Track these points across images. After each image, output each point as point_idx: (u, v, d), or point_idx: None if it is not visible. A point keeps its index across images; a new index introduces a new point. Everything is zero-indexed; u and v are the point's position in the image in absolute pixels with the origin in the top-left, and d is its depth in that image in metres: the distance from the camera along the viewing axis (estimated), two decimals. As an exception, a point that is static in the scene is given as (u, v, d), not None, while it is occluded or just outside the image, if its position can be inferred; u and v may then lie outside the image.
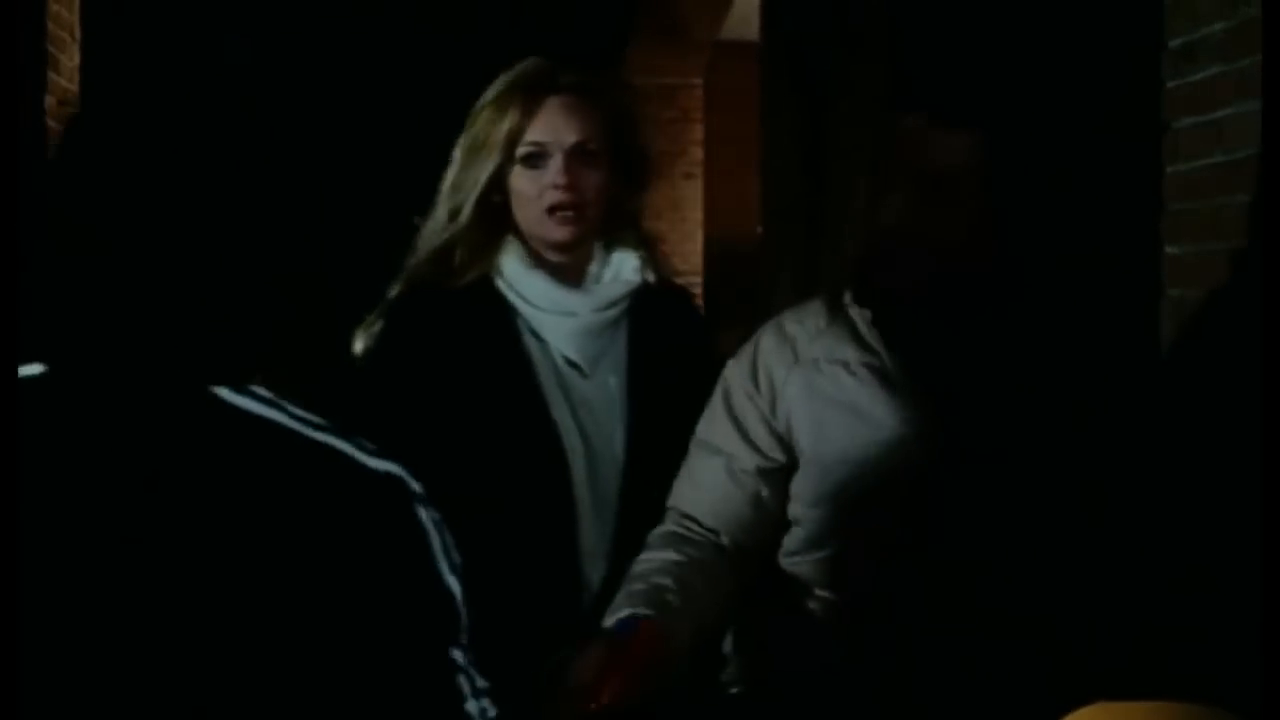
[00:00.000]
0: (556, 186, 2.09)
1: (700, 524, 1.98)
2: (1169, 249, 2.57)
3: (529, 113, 2.10)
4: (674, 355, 2.16)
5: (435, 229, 2.16)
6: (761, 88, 6.48)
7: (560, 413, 2.09)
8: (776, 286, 5.73)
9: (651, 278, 2.19)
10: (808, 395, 1.94)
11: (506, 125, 2.10)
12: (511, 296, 2.13)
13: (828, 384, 1.93)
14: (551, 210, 2.10)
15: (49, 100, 4.44)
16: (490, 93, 2.14)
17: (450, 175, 2.16)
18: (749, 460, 1.96)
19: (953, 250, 1.86)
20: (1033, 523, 1.90)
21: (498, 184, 2.12)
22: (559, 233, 2.11)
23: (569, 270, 2.16)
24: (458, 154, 2.16)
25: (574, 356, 2.11)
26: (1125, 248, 2.80)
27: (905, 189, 1.87)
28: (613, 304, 2.14)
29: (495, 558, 1.95)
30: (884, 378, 1.90)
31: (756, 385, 1.98)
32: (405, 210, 2.24)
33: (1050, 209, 2.09)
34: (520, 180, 2.11)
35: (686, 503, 2.00)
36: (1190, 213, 2.50)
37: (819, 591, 1.95)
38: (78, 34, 4.76)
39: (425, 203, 2.19)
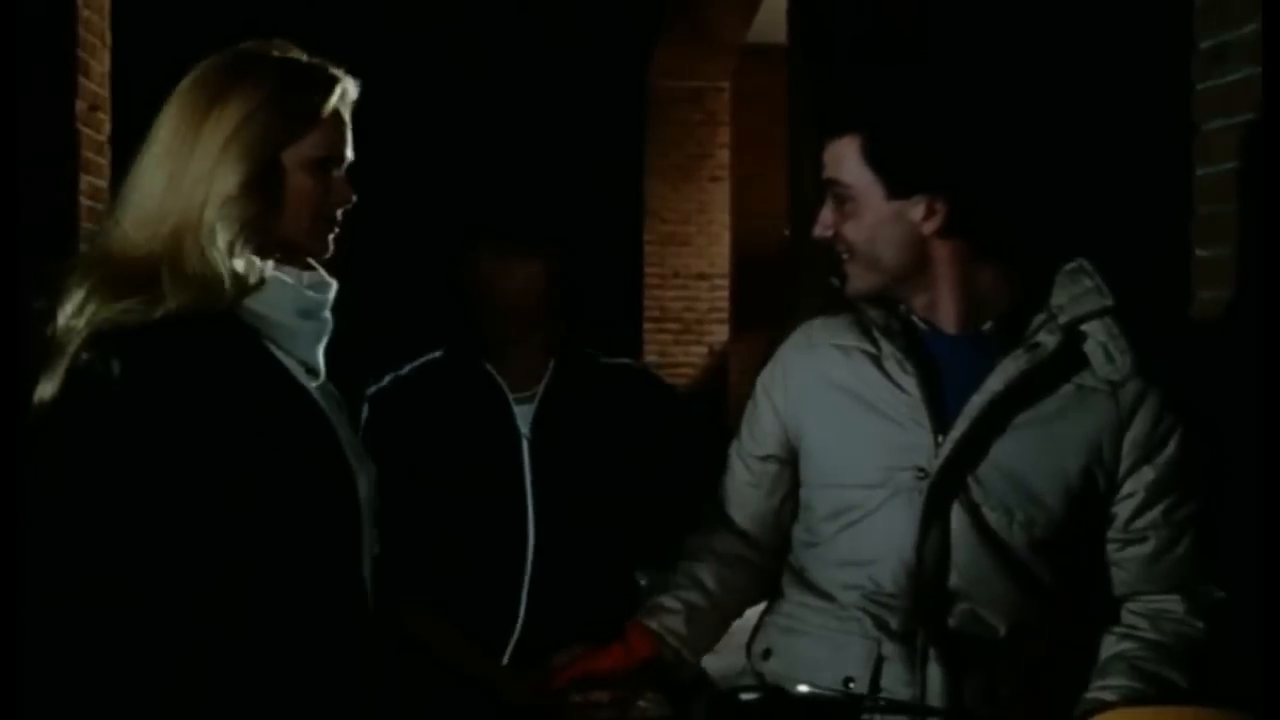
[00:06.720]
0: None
1: (725, 513, 2.11)
2: (1199, 252, 2.55)
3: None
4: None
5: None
6: (789, 91, 6.48)
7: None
8: (803, 289, 5.73)
9: None
10: (811, 378, 2.02)
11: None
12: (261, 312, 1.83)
13: (827, 367, 2.01)
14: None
15: (80, 105, 4.46)
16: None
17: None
18: (759, 448, 2.08)
19: (873, 254, 1.91)
20: (1028, 511, 1.90)
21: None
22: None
23: None
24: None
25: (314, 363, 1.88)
26: (1154, 250, 2.79)
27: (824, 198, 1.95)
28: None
29: (284, 557, 1.81)
30: (877, 364, 1.96)
31: (773, 376, 2.08)
32: (428, 211, 2.23)
33: (1079, 210, 2.08)
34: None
35: (720, 492, 2.12)
36: (1220, 215, 2.49)
37: (826, 575, 1.97)
38: (108, 39, 4.79)
39: (444, 204, 2.17)
